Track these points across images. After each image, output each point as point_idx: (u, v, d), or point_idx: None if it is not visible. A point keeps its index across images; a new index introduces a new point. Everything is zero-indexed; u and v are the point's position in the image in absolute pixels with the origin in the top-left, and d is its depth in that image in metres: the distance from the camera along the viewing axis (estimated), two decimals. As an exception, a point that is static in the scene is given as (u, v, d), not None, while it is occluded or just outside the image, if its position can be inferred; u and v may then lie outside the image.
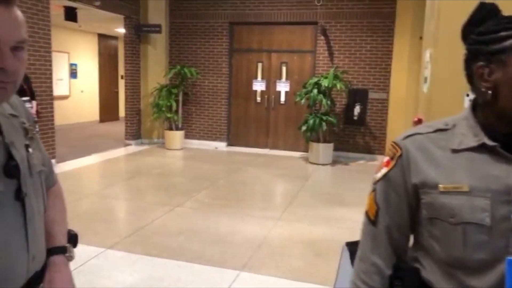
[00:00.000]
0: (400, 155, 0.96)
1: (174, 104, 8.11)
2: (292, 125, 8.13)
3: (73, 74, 11.03)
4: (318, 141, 7.27)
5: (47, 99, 6.18)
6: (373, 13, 7.44)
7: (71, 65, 10.92)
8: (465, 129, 0.92)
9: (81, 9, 7.50)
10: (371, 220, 1.01)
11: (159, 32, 8.21)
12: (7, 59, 0.80)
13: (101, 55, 11.94)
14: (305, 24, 7.90)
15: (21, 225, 0.89)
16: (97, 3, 7.11)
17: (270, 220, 4.30)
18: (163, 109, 8.06)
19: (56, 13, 7.18)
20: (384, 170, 0.99)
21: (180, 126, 8.39)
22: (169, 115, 8.13)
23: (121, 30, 8.74)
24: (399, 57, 7.23)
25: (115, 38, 12.16)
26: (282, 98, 8.29)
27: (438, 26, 2.88)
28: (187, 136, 8.54)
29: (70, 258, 1.06)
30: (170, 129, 8.30)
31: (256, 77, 8.36)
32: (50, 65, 6.19)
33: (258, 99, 8.43)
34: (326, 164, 7.14)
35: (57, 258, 1.02)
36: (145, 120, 8.71)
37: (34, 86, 5.57)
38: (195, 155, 7.80)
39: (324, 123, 7.01)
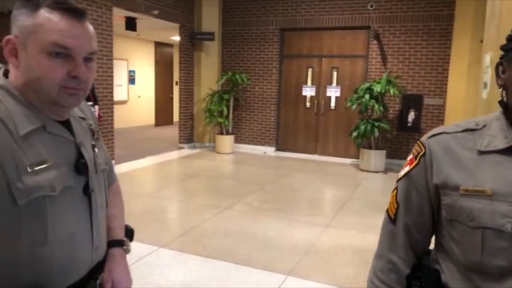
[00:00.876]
0: (423, 154, 0.94)
1: (225, 110, 8.30)
2: (342, 131, 8.01)
3: (132, 80, 11.64)
4: (369, 147, 7.10)
5: (108, 104, 6.58)
6: (430, 16, 7.17)
7: (130, 71, 11.54)
8: (495, 130, 0.88)
9: (140, 18, 7.93)
10: (391, 218, 1.00)
11: (212, 39, 8.45)
12: (80, 69, 0.89)
13: (157, 62, 12.50)
14: (357, 29, 7.78)
15: (87, 218, 0.98)
16: (156, 12, 7.48)
17: (318, 226, 4.26)
18: (215, 114, 8.28)
19: (118, 23, 7.64)
20: (406, 169, 0.98)
21: (230, 130, 8.56)
22: (220, 120, 8.33)
23: (176, 38, 9.11)
24: (457, 61, 6.89)
25: (170, 45, 12.68)
26: (332, 104, 8.19)
27: (499, 28, 2.73)
28: (237, 141, 8.70)
29: (127, 251, 1.15)
30: (221, 133, 8.50)
31: (306, 83, 8.35)
32: (112, 72, 6.60)
33: (308, 104, 8.40)
34: (378, 172, 6.95)
35: (116, 251, 1.11)
36: (198, 125, 8.98)
37: (97, 92, 5.97)
38: (245, 159, 7.91)
39: (376, 129, 6.84)
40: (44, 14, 0.86)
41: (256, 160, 7.80)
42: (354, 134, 7.01)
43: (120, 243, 1.13)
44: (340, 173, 6.92)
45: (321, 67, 8.20)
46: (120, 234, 1.15)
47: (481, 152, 0.88)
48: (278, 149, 8.67)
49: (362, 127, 6.89)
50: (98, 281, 1.03)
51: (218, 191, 5.65)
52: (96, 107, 5.71)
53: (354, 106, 7.02)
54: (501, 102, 0.91)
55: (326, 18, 7.89)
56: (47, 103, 0.90)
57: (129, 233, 1.21)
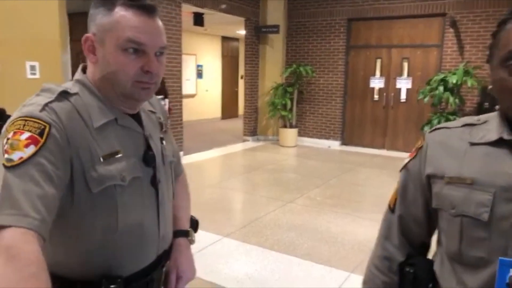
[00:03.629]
0: (421, 147, 0.98)
1: (288, 103, 8.27)
2: (413, 125, 7.60)
3: (199, 74, 12.03)
4: (442, 142, 6.66)
5: (177, 97, 6.87)
6: (516, -1, 6.50)
7: (198, 66, 11.92)
8: (493, 125, 0.89)
9: (208, 14, 8.13)
10: (391, 208, 1.05)
11: (277, 32, 8.43)
12: (153, 63, 0.93)
13: (223, 56, 12.78)
14: (431, 17, 7.29)
15: (154, 208, 1.02)
16: (223, 7, 7.63)
17: (384, 224, 4.10)
18: (278, 107, 8.28)
19: (186, 19, 7.91)
20: (406, 161, 1.01)
21: (294, 124, 8.52)
22: (283, 113, 8.31)
23: (242, 32, 9.22)
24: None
25: (236, 40, 12.88)
26: (403, 96, 7.79)
27: None
28: (300, 134, 8.63)
29: (192, 241, 1.18)
30: (285, 126, 8.48)
31: (374, 74, 8.02)
32: (180, 67, 6.87)
33: (376, 97, 8.07)
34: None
35: (181, 240, 1.14)
36: (262, 118, 9.05)
37: (167, 86, 6.25)
38: (308, 153, 7.83)
39: (450, 124, 6.39)
40: (119, 12, 0.90)
41: (320, 154, 7.69)
42: (426, 128, 6.60)
43: (185, 234, 1.17)
44: (409, 169, 6.57)
45: (391, 57, 7.82)
46: (185, 225, 1.19)
47: (473, 144, 0.89)
48: (344, 143, 8.45)
49: (435, 121, 6.48)
50: (164, 269, 1.07)
51: (281, 184, 5.65)
52: (166, 100, 5.98)
53: (426, 99, 6.63)
54: None
55: (396, 6, 7.49)
56: (121, 96, 0.95)
57: (194, 224, 1.24)
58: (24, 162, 0.77)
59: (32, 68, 4.12)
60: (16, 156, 0.77)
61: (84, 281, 0.92)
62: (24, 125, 0.81)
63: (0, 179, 0.76)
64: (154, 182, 1.01)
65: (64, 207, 0.85)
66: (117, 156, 0.92)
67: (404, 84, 7.73)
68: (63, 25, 4.35)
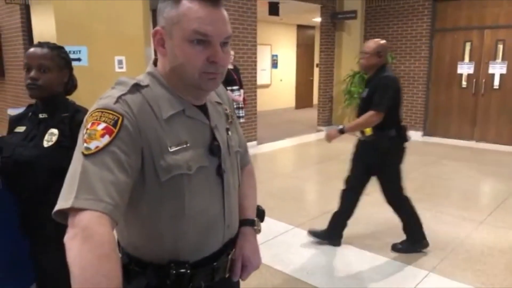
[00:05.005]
0: None
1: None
2: (507, 114, 6.88)
3: (274, 64, 12.05)
4: (543, 134, 5.93)
5: (252, 88, 6.96)
6: None
7: (273, 56, 11.95)
8: None
9: (283, 2, 8.08)
10: None
11: (355, 17, 8.11)
12: (219, 54, 0.94)
13: (298, 45, 12.63)
14: (533, -9, 6.48)
15: (220, 197, 1.04)
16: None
17: (469, 222, 3.78)
18: (355, 96, 7.99)
19: (261, 9, 7.93)
20: None
21: (371, 113, 8.15)
22: (360, 102, 7.99)
23: (318, 20, 9.02)
24: None
25: (312, 28, 12.65)
26: (496, 82, 7.06)
27: None
28: (378, 124, 8.24)
29: (258, 231, 1.18)
30: (361, 116, 8.16)
31: (462, 59, 7.36)
32: (255, 57, 6.93)
33: (464, 83, 7.41)
34: (554, 163, 5.77)
35: (247, 229, 1.16)
36: (337, 107, 8.82)
37: (242, 77, 6.35)
38: (386, 144, 7.47)
39: (554, 113, 5.66)
40: (186, 4, 0.92)
41: (399, 145, 7.28)
42: (524, 118, 5.93)
43: (251, 223, 1.18)
44: (503, 163, 5.96)
45: (483, 40, 7.11)
46: (251, 214, 1.20)
47: None
48: (426, 134, 7.92)
49: (535, 110, 5.78)
50: (229, 257, 1.09)
51: (356, 175, 5.47)
52: (242, 91, 6.07)
53: (524, 85, 5.92)
54: None
55: (491, -18, 6.76)
56: (189, 87, 0.98)
57: (261, 214, 1.25)
58: (100, 151, 0.83)
59: (120, 62, 4.45)
60: (93, 145, 0.83)
61: (155, 264, 0.97)
62: (101, 116, 0.87)
63: (73, 165, 0.84)
64: (220, 171, 1.03)
65: (136, 193, 0.90)
66: (184, 146, 0.95)
67: (498, 69, 6.99)
68: (146, 21, 4.63)
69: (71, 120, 1.57)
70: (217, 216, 1.04)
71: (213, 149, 1.02)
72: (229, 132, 1.10)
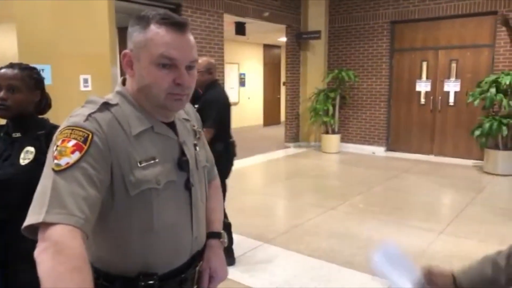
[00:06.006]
0: None
1: (330, 108, 8.18)
2: (462, 129, 7.27)
3: (242, 83, 12.23)
4: (496, 147, 6.31)
5: (219, 106, 7.01)
6: None
7: (240, 74, 12.12)
8: None
9: (249, 23, 8.27)
10: None
11: (319, 38, 8.41)
12: (184, 77, 0.99)
13: (265, 64, 12.90)
14: (481, 15, 6.97)
15: (188, 210, 1.08)
16: (266, 14, 7.73)
17: (430, 232, 3.95)
18: (320, 113, 8.22)
19: (228, 28, 8.08)
20: None
21: (336, 129, 8.41)
22: (325, 119, 8.23)
23: (283, 39, 9.28)
24: None
25: (278, 47, 12.96)
26: (451, 99, 7.48)
27: None
28: (343, 140, 8.51)
29: (224, 243, 1.23)
30: (327, 132, 8.40)
31: (420, 77, 7.77)
32: (223, 76, 7.02)
33: (422, 100, 7.81)
34: (508, 175, 6.12)
35: (214, 242, 1.20)
36: (303, 124, 9.02)
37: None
38: (351, 159, 7.70)
39: (504, 127, 6.05)
40: (153, 29, 0.97)
41: (364, 161, 7.53)
42: (477, 132, 6.30)
43: (217, 235, 1.22)
44: (459, 175, 6.28)
45: (438, 59, 7.55)
46: (218, 227, 1.24)
47: None
48: (389, 149, 8.23)
49: (487, 125, 6.16)
50: (197, 268, 1.12)
51: (323, 190, 5.60)
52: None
53: (477, 102, 6.31)
54: None
55: (443, 6, 7.24)
56: (156, 107, 1.02)
57: (227, 227, 1.29)
58: (70, 167, 0.85)
59: (85, 81, 4.40)
60: (63, 161, 0.86)
61: (123, 277, 0.99)
62: (71, 133, 0.89)
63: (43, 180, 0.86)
64: (188, 185, 1.07)
65: (105, 208, 0.93)
66: (153, 162, 0.99)
67: (452, 86, 7.43)
68: (112, 39, 4.62)
69: (47, 137, 1.58)
70: (185, 229, 1.07)
71: (182, 164, 1.06)
72: (197, 148, 1.15)
